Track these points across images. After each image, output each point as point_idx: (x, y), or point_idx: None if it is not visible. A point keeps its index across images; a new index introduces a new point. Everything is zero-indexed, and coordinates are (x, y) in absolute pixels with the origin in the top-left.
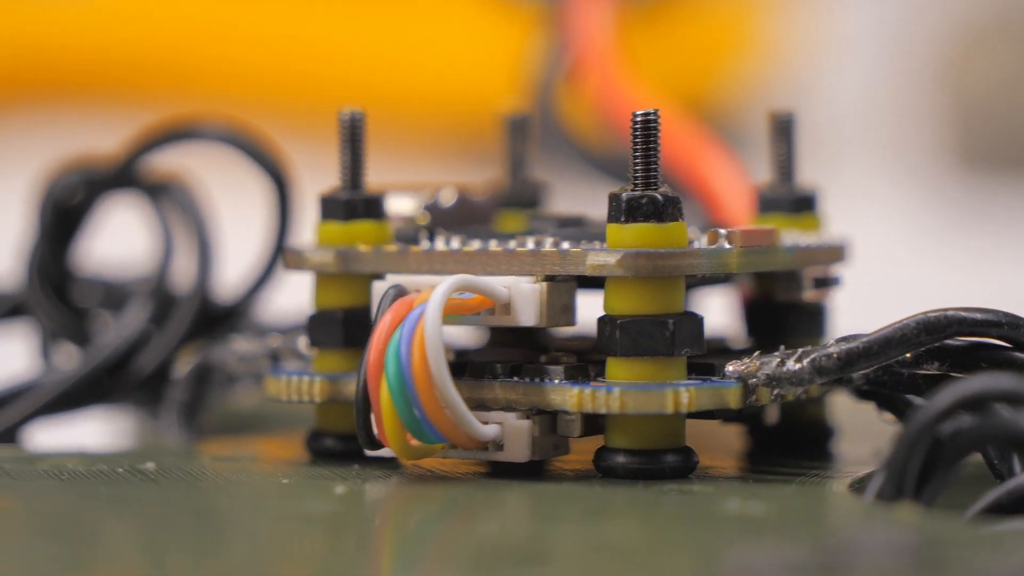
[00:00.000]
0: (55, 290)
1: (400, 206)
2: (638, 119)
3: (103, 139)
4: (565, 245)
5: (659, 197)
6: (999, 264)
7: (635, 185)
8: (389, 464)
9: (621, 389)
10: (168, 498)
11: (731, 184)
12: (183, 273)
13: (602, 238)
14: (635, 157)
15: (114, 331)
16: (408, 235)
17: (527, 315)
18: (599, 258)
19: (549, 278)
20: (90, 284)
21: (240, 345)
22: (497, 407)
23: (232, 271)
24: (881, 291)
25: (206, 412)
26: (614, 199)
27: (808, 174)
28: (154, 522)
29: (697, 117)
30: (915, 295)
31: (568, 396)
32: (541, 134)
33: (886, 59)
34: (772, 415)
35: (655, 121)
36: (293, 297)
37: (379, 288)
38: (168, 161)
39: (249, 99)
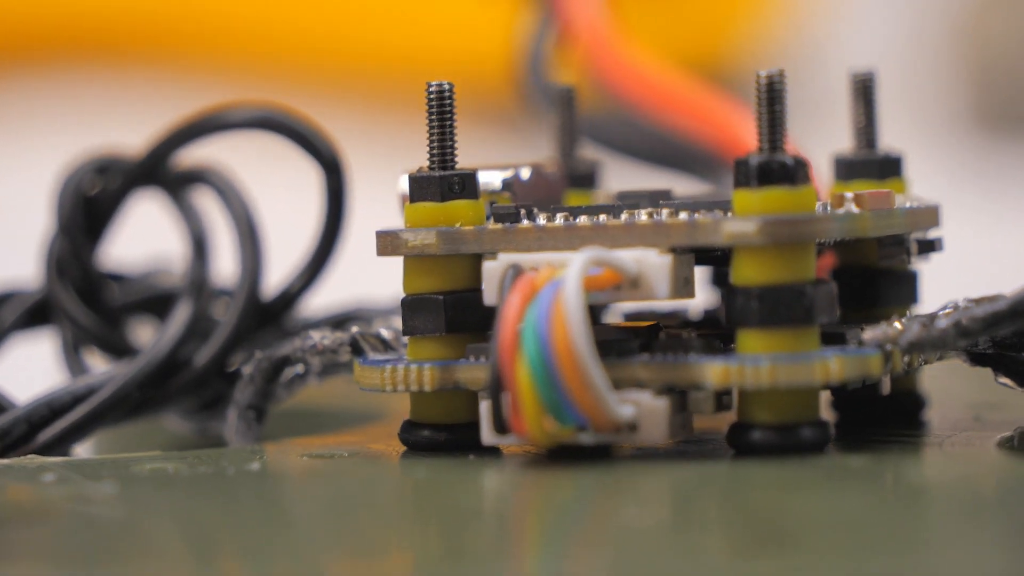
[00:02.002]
0: (83, 292)
1: (488, 180)
2: (763, 80)
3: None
4: (684, 215)
5: (790, 160)
6: (1017, 224)
7: (762, 148)
8: (503, 455)
9: (770, 363)
10: (310, 496)
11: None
12: (226, 268)
13: (718, 205)
14: (760, 119)
15: (163, 333)
16: (507, 213)
17: (660, 288)
18: (736, 226)
19: (672, 250)
20: (124, 285)
21: (316, 335)
22: (628, 386)
23: (275, 265)
24: None
25: (272, 411)
26: (742, 164)
27: (825, 136)
28: (319, 519)
29: (706, 79)
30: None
31: (711, 371)
32: (531, 101)
33: (902, 19)
34: (886, 385)
35: (780, 82)
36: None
37: (493, 268)
38: (195, 154)
39: (258, 62)
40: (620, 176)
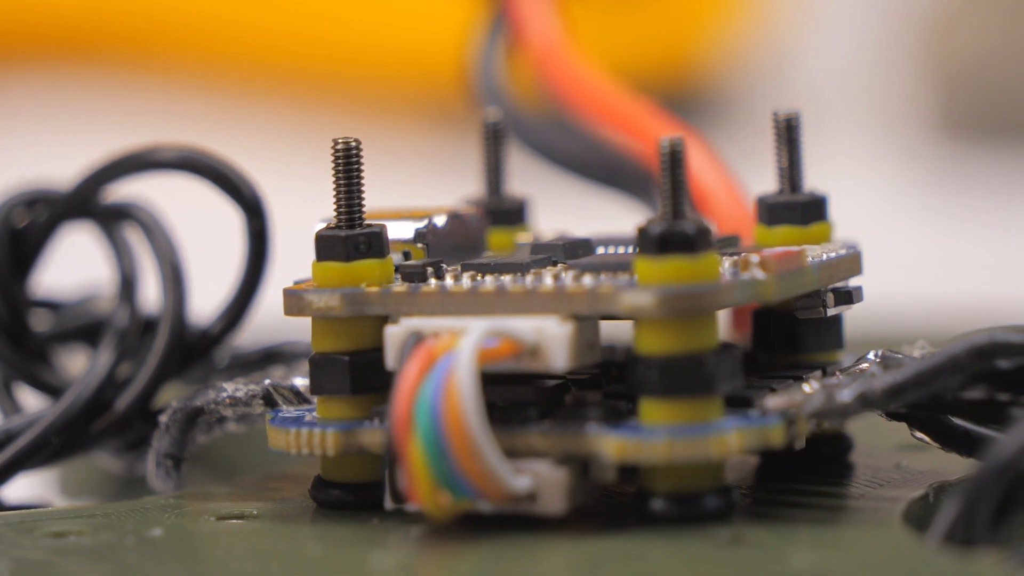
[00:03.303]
0: (10, 330)
1: (396, 233)
2: (665, 148)
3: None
4: (588, 280)
5: (691, 228)
6: (981, 230)
7: (664, 216)
8: (407, 517)
9: (667, 438)
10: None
11: (711, 172)
12: (152, 305)
13: (623, 267)
14: (663, 187)
15: (86, 371)
16: (414, 272)
17: (558, 359)
18: (634, 298)
19: (575, 316)
20: (47, 314)
21: (230, 387)
22: (527, 455)
23: (203, 301)
24: (865, 258)
25: (190, 457)
26: (644, 232)
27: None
28: None
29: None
30: (899, 263)
31: (609, 444)
32: (481, 105)
33: (870, 26)
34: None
35: (682, 149)
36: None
37: (394, 335)
38: (126, 188)
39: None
40: (548, 212)
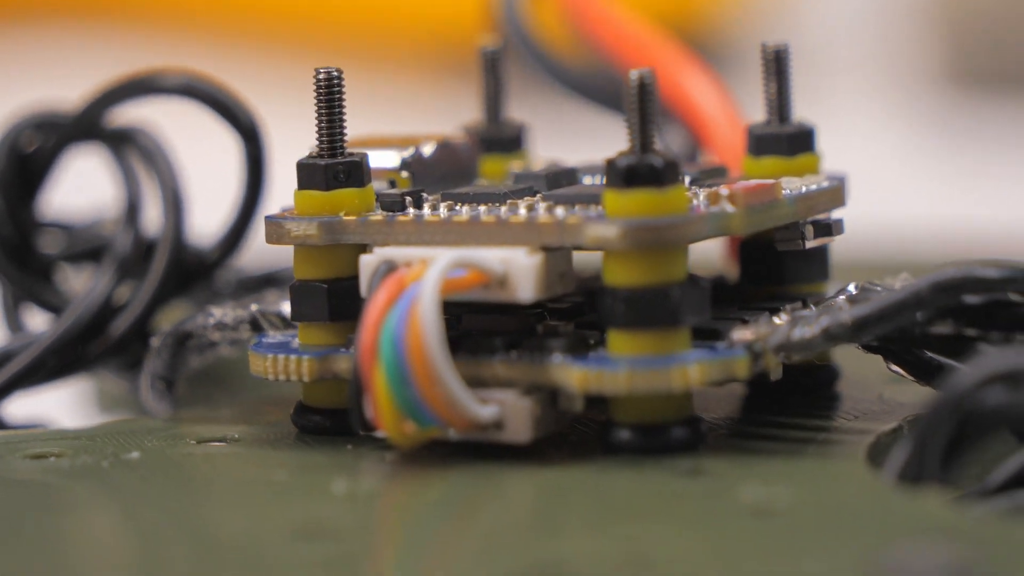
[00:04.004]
0: (16, 251)
1: (382, 161)
2: (634, 80)
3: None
4: (560, 212)
5: (658, 162)
6: (991, 181)
7: (632, 149)
8: (381, 443)
9: (628, 369)
10: (155, 503)
11: (717, 104)
12: (155, 228)
13: (597, 199)
14: (631, 119)
15: (85, 294)
16: (393, 201)
17: (524, 290)
18: (599, 230)
19: (545, 248)
20: (57, 235)
21: (218, 312)
22: (495, 384)
23: (209, 224)
24: (875, 212)
25: (185, 380)
26: (612, 165)
27: (797, 96)
28: (138, 539)
29: (678, 36)
30: (908, 215)
31: (572, 375)
32: (511, 50)
33: None
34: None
35: (652, 82)
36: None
37: (367, 263)
38: (133, 112)
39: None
40: (546, 140)
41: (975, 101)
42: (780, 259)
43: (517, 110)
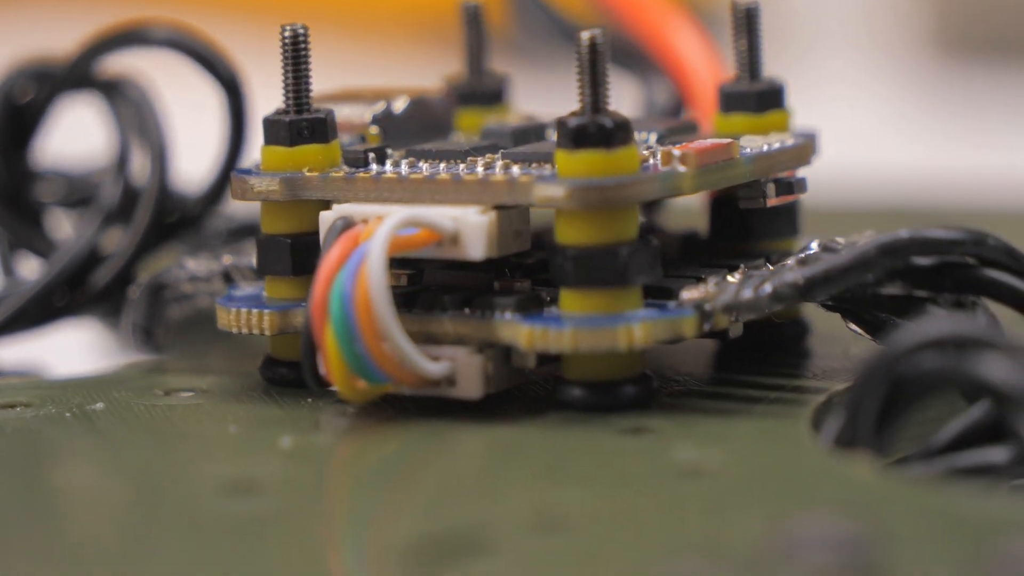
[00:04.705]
0: (11, 199)
1: (351, 116)
2: (585, 41)
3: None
4: (515, 170)
5: (608, 123)
6: (978, 148)
7: (583, 110)
8: (339, 398)
9: (573, 327)
10: (102, 456)
11: (702, 60)
12: (141, 177)
13: (550, 159)
14: (582, 80)
15: (70, 243)
16: (356, 158)
17: (475, 248)
18: (547, 191)
19: (499, 207)
20: (51, 180)
21: (192, 265)
22: (448, 341)
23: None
24: (862, 179)
25: (164, 329)
26: (562, 125)
27: (781, 62)
28: (70, 492)
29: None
30: (895, 182)
31: (519, 333)
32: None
33: None
34: (737, 328)
35: (602, 43)
36: None
37: (326, 218)
38: (124, 62)
39: None
40: (528, 93)
41: (963, 68)
42: (745, 216)
43: (517, 64)
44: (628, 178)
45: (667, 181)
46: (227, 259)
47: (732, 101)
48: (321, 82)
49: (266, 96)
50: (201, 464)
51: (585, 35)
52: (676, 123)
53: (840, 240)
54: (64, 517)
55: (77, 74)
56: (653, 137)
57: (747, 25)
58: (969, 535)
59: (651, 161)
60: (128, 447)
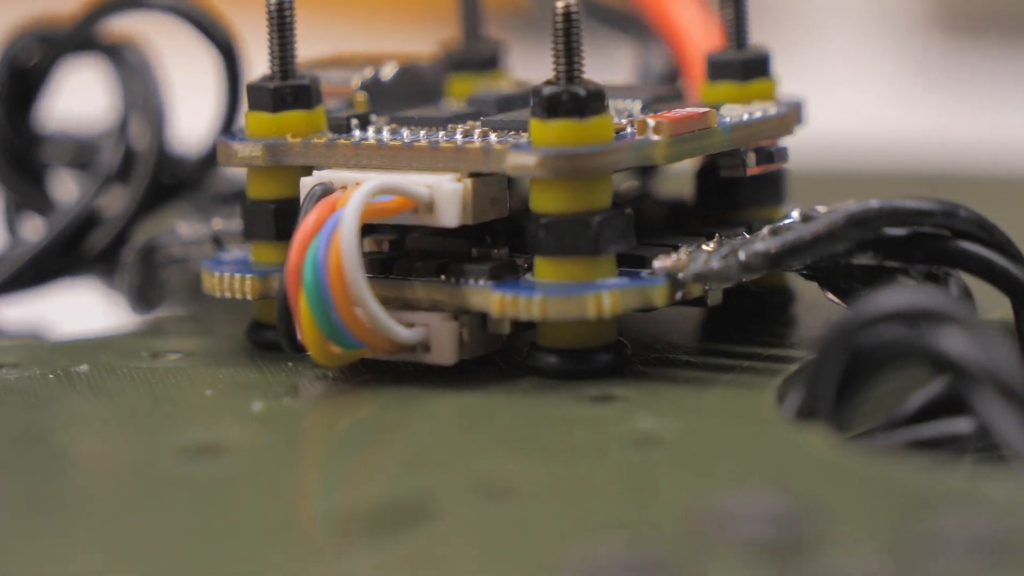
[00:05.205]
0: (16, 160)
1: (340, 81)
2: (559, 11)
3: None
4: (492, 138)
5: (581, 92)
6: (976, 124)
7: (557, 79)
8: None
9: (542, 294)
10: (74, 420)
11: (699, 27)
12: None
13: (526, 128)
14: (556, 49)
15: (69, 205)
16: (338, 124)
17: (449, 216)
18: (519, 159)
19: (475, 174)
20: (55, 142)
21: (183, 229)
22: (424, 307)
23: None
24: (861, 154)
25: (158, 291)
26: (536, 94)
27: (782, 37)
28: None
29: None
30: (894, 158)
31: (490, 299)
32: None
33: None
34: (715, 296)
35: (576, 12)
36: None
37: (305, 184)
38: (125, 25)
39: None
40: (523, 59)
41: (964, 47)
42: (727, 185)
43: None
44: (599, 147)
45: (639, 150)
46: (217, 223)
47: (718, 70)
48: (314, 50)
49: (264, 61)
50: (170, 428)
51: (559, 4)
52: (662, 91)
53: (821, 209)
54: (30, 474)
55: (80, 37)
56: (637, 105)
57: None
58: (903, 511)
59: (628, 130)
60: (103, 410)
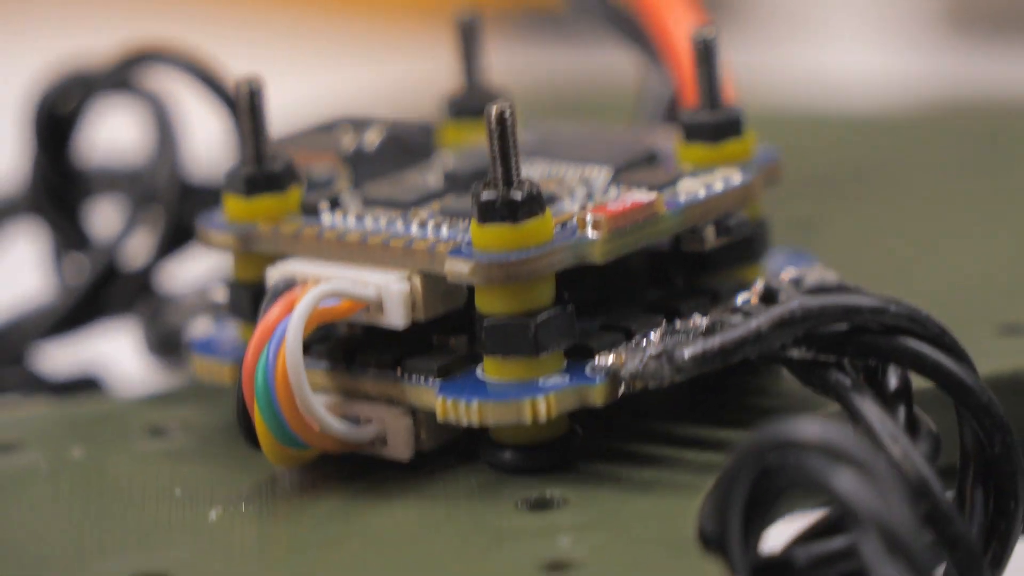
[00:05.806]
0: (59, 202)
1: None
2: (492, 116)
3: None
4: (443, 232)
5: (517, 196)
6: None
7: (495, 183)
8: None
9: (478, 400)
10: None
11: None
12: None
13: None
14: (492, 153)
15: (103, 249)
16: (310, 207)
17: (396, 316)
18: (455, 266)
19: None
20: (94, 177)
21: (186, 302)
22: (381, 400)
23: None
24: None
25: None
26: (474, 197)
27: (794, 35)
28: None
29: None
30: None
31: (435, 402)
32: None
33: None
34: None
35: (511, 118)
36: None
37: (270, 277)
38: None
39: None
40: (526, 59)
41: (976, 47)
42: (692, 256)
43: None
44: (534, 251)
45: (576, 250)
46: (213, 291)
47: (691, 131)
48: (329, 65)
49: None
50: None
51: (493, 109)
52: (635, 155)
53: (785, 278)
54: None
55: (112, 81)
56: (605, 175)
57: (705, 57)
58: None
59: (572, 222)
60: (70, 503)
